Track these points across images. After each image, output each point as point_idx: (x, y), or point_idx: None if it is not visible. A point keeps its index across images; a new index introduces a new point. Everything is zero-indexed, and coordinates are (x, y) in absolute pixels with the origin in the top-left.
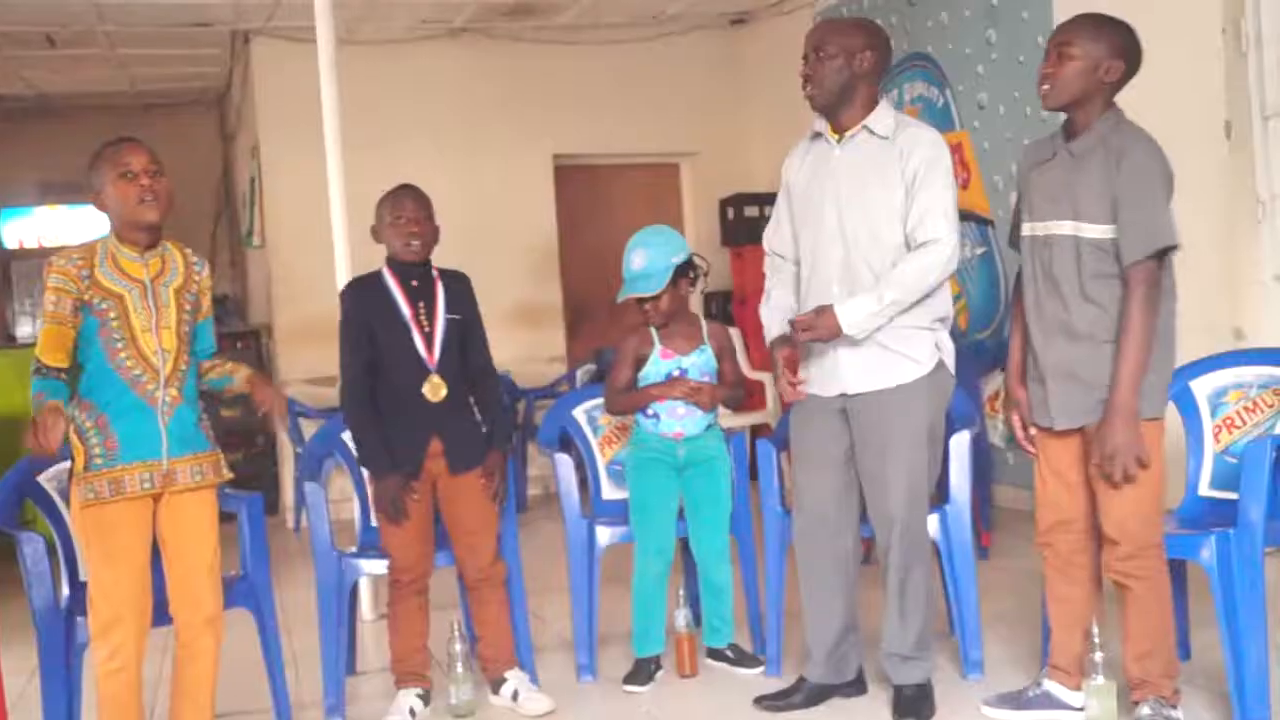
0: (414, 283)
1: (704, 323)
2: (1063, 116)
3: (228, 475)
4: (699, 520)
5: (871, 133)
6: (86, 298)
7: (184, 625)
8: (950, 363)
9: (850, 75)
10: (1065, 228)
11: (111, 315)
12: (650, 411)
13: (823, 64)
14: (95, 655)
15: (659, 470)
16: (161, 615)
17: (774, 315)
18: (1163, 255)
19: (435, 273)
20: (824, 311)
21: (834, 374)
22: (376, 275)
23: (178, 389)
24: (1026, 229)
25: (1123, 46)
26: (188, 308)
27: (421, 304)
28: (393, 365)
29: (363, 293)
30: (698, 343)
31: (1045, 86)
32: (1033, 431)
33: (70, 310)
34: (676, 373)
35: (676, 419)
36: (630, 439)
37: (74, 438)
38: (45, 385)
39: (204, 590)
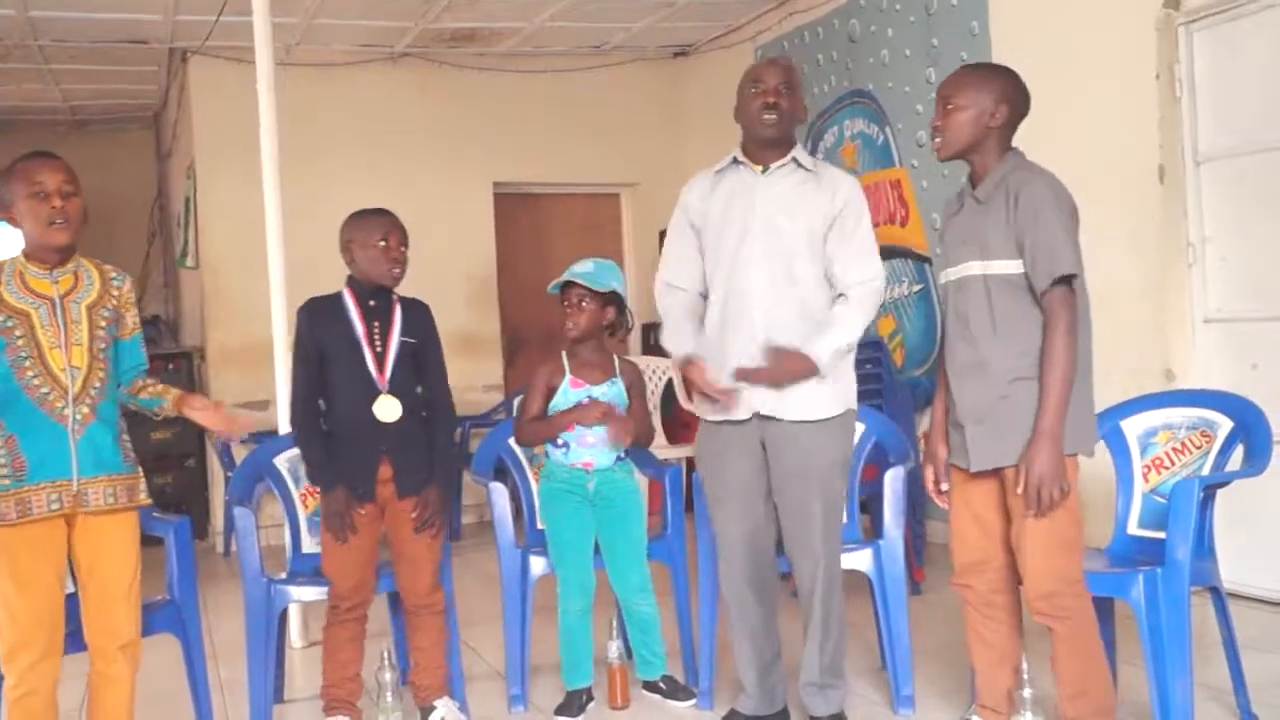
0: (372, 303)
1: (616, 359)
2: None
3: (144, 500)
4: (614, 556)
5: (799, 164)
6: None
7: (99, 652)
8: (854, 400)
9: (803, 114)
10: (974, 268)
11: (17, 333)
12: (560, 442)
13: (789, 99)
14: (6, 682)
15: (570, 503)
16: (77, 641)
17: (679, 336)
18: (1065, 283)
19: (395, 298)
20: (787, 355)
21: (750, 395)
22: (336, 296)
23: (90, 407)
24: (942, 278)
25: (1005, 91)
26: (103, 324)
27: (377, 324)
28: (343, 385)
29: (317, 312)
30: (609, 374)
31: (937, 140)
32: (944, 486)
33: None
34: (586, 401)
35: (586, 448)
36: (541, 472)
37: None
38: None
39: (120, 616)
